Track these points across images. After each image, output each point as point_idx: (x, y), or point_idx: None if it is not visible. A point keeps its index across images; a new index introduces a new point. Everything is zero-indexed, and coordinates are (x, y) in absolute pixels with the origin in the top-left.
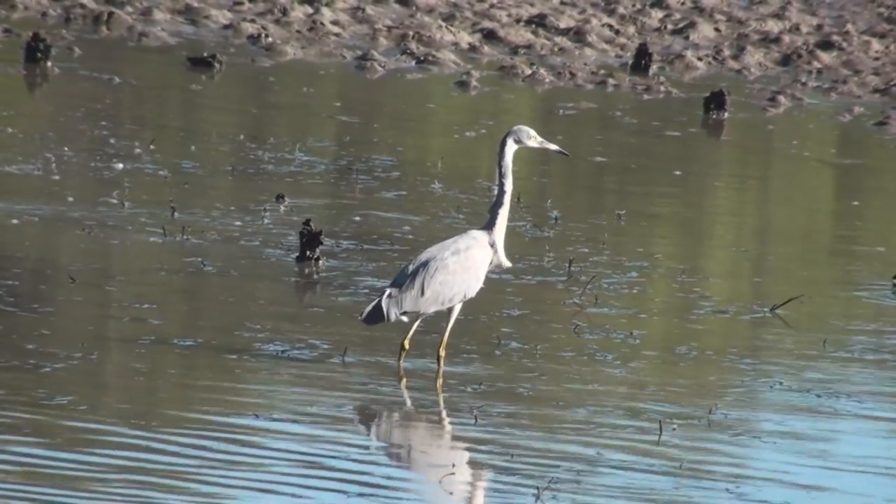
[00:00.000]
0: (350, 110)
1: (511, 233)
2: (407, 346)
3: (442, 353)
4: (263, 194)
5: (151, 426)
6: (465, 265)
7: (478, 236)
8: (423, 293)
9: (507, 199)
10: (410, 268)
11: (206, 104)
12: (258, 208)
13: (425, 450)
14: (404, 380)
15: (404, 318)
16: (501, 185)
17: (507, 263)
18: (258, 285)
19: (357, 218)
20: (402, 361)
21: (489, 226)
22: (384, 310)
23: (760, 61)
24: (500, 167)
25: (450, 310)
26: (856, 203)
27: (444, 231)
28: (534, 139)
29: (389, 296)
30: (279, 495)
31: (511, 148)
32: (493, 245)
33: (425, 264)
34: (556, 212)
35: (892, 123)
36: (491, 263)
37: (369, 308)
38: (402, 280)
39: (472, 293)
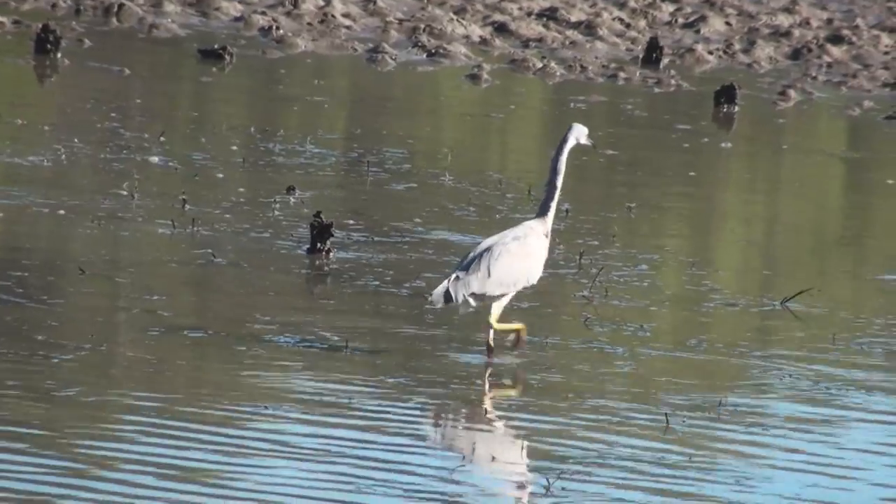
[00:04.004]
0: (361, 102)
1: None
2: (492, 345)
3: (494, 323)
4: (274, 186)
5: (161, 417)
6: (526, 251)
7: (533, 225)
8: (489, 275)
9: (559, 192)
10: (472, 254)
11: (217, 96)
12: (268, 200)
13: (435, 441)
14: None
15: (472, 301)
16: (554, 180)
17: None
18: (268, 277)
19: (368, 210)
20: (492, 358)
21: (543, 213)
22: (452, 292)
23: (771, 55)
24: (558, 164)
25: (504, 294)
26: (865, 196)
27: (455, 223)
28: (584, 137)
29: (457, 278)
30: (287, 486)
31: (570, 146)
32: (547, 235)
33: (489, 249)
34: (567, 204)
35: None
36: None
37: (439, 290)
38: (468, 264)
39: (534, 279)
